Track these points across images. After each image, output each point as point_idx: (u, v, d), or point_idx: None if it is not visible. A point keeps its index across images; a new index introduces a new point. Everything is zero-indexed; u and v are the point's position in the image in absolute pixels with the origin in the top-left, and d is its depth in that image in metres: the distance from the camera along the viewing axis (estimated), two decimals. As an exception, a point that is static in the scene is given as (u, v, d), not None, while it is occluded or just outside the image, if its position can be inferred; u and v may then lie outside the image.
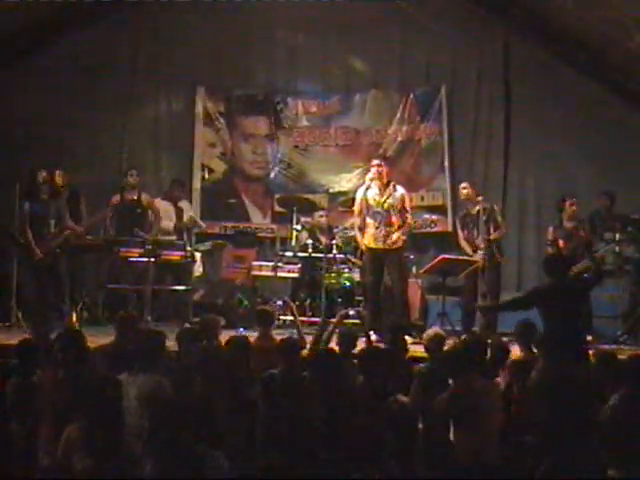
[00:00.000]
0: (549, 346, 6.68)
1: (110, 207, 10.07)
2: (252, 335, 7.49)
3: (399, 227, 9.06)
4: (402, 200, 9.16)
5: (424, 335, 6.93)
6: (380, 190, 9.10)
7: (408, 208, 9.20)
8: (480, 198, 9.48)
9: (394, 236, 8.98)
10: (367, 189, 9.15)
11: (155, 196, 10.64)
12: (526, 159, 11.33)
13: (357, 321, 8.73)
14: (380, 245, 9.04)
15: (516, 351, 6.91)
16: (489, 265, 9.27)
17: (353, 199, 9.62)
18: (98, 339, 7.55)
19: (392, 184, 9.18)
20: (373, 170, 9.14)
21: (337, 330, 7.11)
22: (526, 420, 5.69)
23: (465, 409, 5.48)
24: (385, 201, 9.07)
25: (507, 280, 10.34)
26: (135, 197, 10.17)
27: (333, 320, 7.85)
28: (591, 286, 7.79)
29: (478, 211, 9.41)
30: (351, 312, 8.99)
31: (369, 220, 9.09)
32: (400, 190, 9.21)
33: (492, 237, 9.37)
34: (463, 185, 9.79)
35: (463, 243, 9.63)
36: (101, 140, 11.35)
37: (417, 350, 7.34)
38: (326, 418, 5.31)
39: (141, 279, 9.63)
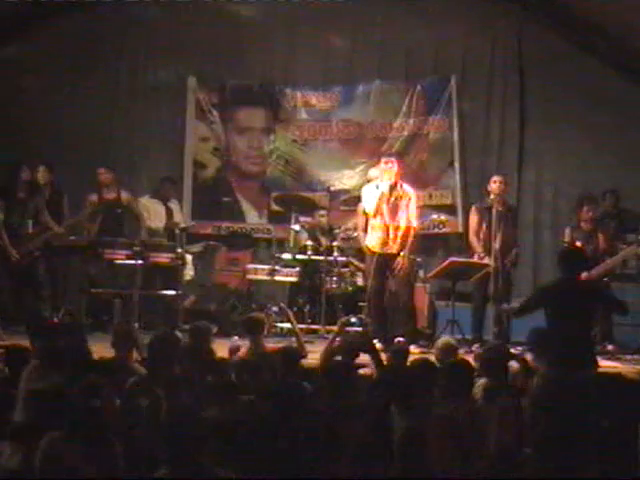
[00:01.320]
0: (552, 350, 6.45)
1: (88, 207, 9.97)
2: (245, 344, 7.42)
3: (404, 233, 8.90)
4: (410, 201, 9.02)
5: (434, 345, 6.79)
6: (389, 189, 8.96)
7: (415, 211, 9.06)
8: (493, 197, 9.28)
9: (399, 259, 8.87)
10: (377, 187, 9.00)
11: (143, 194, 10.53)
12: (542, 155, 11.21)
13: (360, 329, 8.61)
14: (387, 249, 8.91)
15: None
16: (501, 270, 9.09)
17: (356, 197, 9.49)
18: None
19: (400, 183, 9.05)
20: (387, 167, 9.01)
21: (338, 339, 7.04)
22: (528, 431, 5.60)
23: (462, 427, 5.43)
24: (394, 202, 8.93)
25: (521, 285, 10.22)
26: (114, 196, 10.11)
27: (334, 328, 7.76)
28: (610, 306, 7.37)
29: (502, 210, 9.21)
30: (353, 319, 8.90)
31: (377, 221, 8.96)
32: (408, 190, 9.08)
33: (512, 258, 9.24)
34: (497, 178, 9.45)
35: (474, 239, 9.39)
36: (86, 134, 11.30)
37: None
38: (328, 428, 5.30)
39: (128, 283, 9.57)
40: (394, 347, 7.34)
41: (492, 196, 9.24)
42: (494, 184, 9.34)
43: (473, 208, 9.66)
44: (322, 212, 10.45)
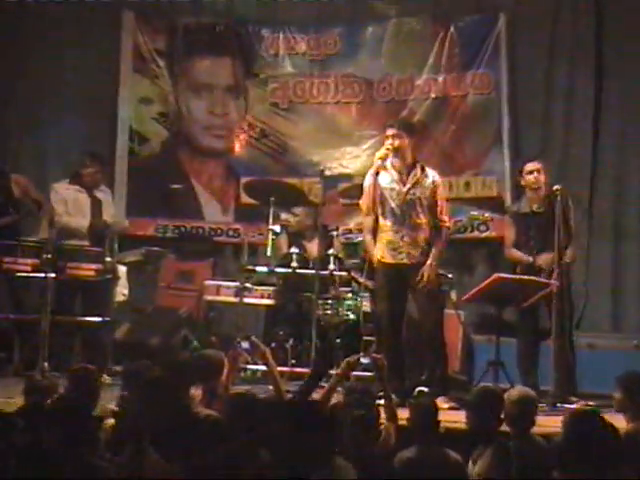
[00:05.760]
0: None
1: None
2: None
3: (429, 234, 8.95)
4: (434, 190, 9.07)
5: (506, 397, 6.80)
6: (400, 174, 9.01)
7: (443, 203, 9.10)
8: (557, 187, 9.32)
9: (423, 273, 8.86)
10: (377, 173, 9.04)
11: (59, 179, 10.55)
12: (627, 125, 11.23)
13: (371, 373, 8.62)
14: (402, 259, 8.95)
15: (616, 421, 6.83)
16: (561, 292, 9.13)
17: (361, 186, 9.53)
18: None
19: (419, 165, 9.10)
20: (387, 143, 9.03)
21: (341, 388, 7.14)
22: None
23: None
24: (408, 191, 8.98)
25: (597, 314, 10.27)
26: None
27: (336, 371, 7.78)
28: None
29: (549, 211, 9.24)
30: (364, 360, 8.87)
31: (384, 221, 9.01)
32: (431, 175, 9.12)
33: (567, 259, 9.26)
34: (531, 166, 9.57)
35: (516, 253, 9.48)
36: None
37: (458, 419, 7.26)
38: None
39: (34, 305, 9.65)
40: None
41: (527, 192, 9.44)
42: (531, 175, 9.43)
43: (506, 217, 9.87)
44: (299, 210, 10.54)
